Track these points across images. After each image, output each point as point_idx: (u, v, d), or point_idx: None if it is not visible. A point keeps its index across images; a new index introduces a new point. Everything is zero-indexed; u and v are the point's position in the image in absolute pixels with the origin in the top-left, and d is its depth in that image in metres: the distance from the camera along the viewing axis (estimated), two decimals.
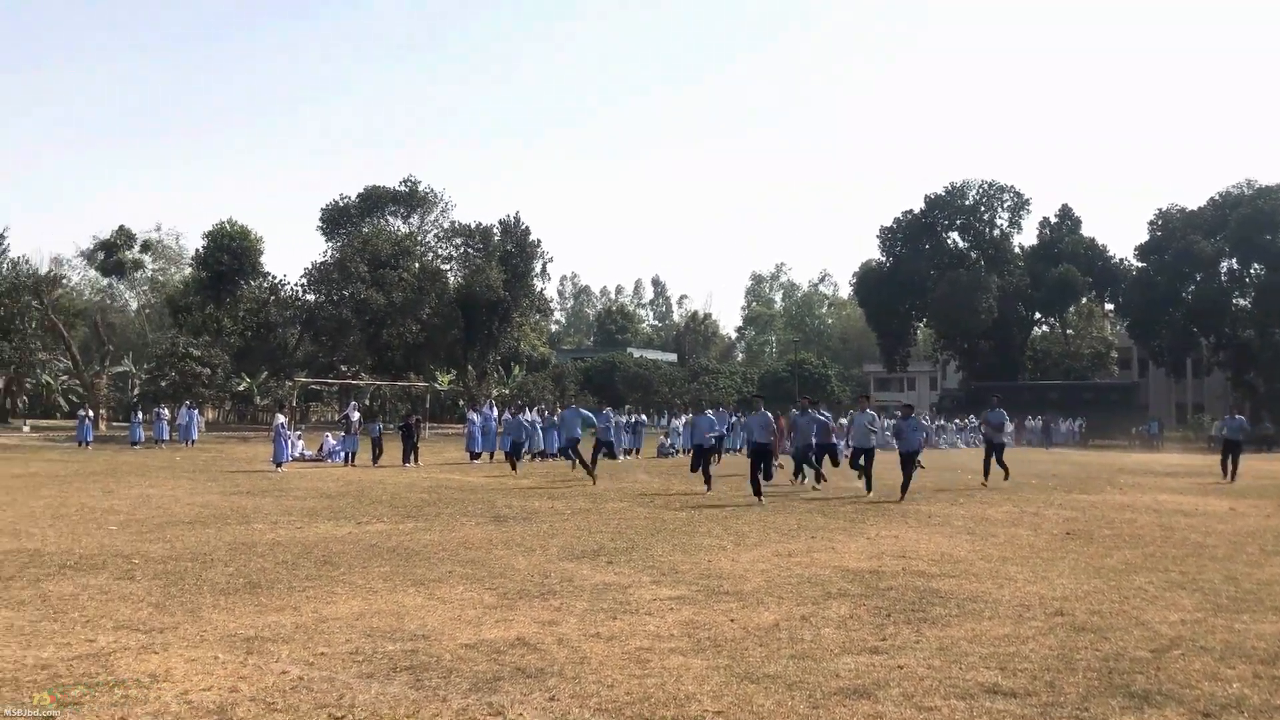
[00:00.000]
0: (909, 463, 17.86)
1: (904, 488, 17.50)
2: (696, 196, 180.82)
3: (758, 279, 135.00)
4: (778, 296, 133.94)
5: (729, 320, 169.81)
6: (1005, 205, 74.43)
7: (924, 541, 12.00)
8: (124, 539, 11.48)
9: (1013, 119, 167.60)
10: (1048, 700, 5.44)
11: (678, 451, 33.74)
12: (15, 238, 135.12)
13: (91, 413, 40.32)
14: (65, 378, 64.95)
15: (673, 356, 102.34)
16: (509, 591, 8.42)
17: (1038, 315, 77.27)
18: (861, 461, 18.49)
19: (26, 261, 52.74)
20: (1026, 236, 76.80)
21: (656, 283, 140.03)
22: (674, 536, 12.21)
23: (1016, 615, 7.69)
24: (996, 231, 75.07)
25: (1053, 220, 75.73)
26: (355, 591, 8.39)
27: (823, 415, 21.53)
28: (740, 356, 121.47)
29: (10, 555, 10.14)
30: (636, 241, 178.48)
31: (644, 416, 41.13)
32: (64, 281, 62.75)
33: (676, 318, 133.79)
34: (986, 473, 21.00)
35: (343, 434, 28.90)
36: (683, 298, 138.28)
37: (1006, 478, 20.99)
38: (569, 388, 66.08)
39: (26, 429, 47.35)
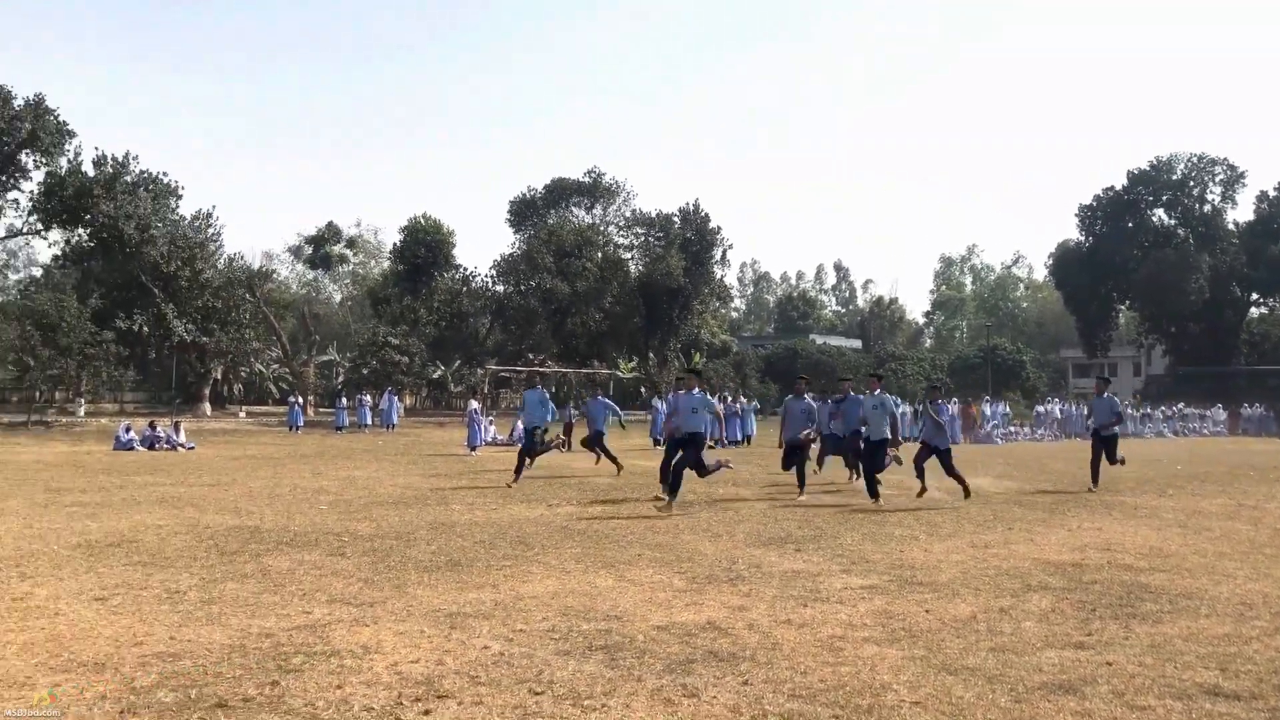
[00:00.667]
0: (868, 454, 14.95)
1: (869, 486, 14.52)
2: (881, 178, 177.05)
3: (947, 262, 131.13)
4: (968, 279, 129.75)
5: (916, 305, 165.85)
6: (1217, 179, 69.70)
7: (1130, 534, 11.39)
8: (334, 518, 12.15)
9: (1225, 87, 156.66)
10: (1276, 705, 5.07)
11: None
12: (230, 236, 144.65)
13: (301, 399, 42.79)
14: (276, 366, 69.10)
15: (857, 343, 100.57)
16: (698, 576, 8.47)
17: (1255, 295, 72.09)
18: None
19: (241, 257, 56.33)
20: (1242, 212, 71.77)
21: (839, 267, 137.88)
22: (863, 526, 12.00)
23: (1237, 614, 7.20)
24: (1207, 207, 70.40)
25: (1272, 194, 70.37)
26: (549, 571, 8.62)
27: (815, 400, 16.98)
28: (928, 342, 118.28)
29: (234, 531, 10.89)
30: (818, 226, 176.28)
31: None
32: (274, 276, 66.67)
33: (860, 303, 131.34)
34: (1095, 477, 16.98)
35: None
36: (867, 282, 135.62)
37: (1094, 485, 16.79)
38: (750, 375, 65.87)
39: (242, 415, 50.68)
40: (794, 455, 15.41)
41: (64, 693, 5.03)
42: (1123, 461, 17.57)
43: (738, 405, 32.26)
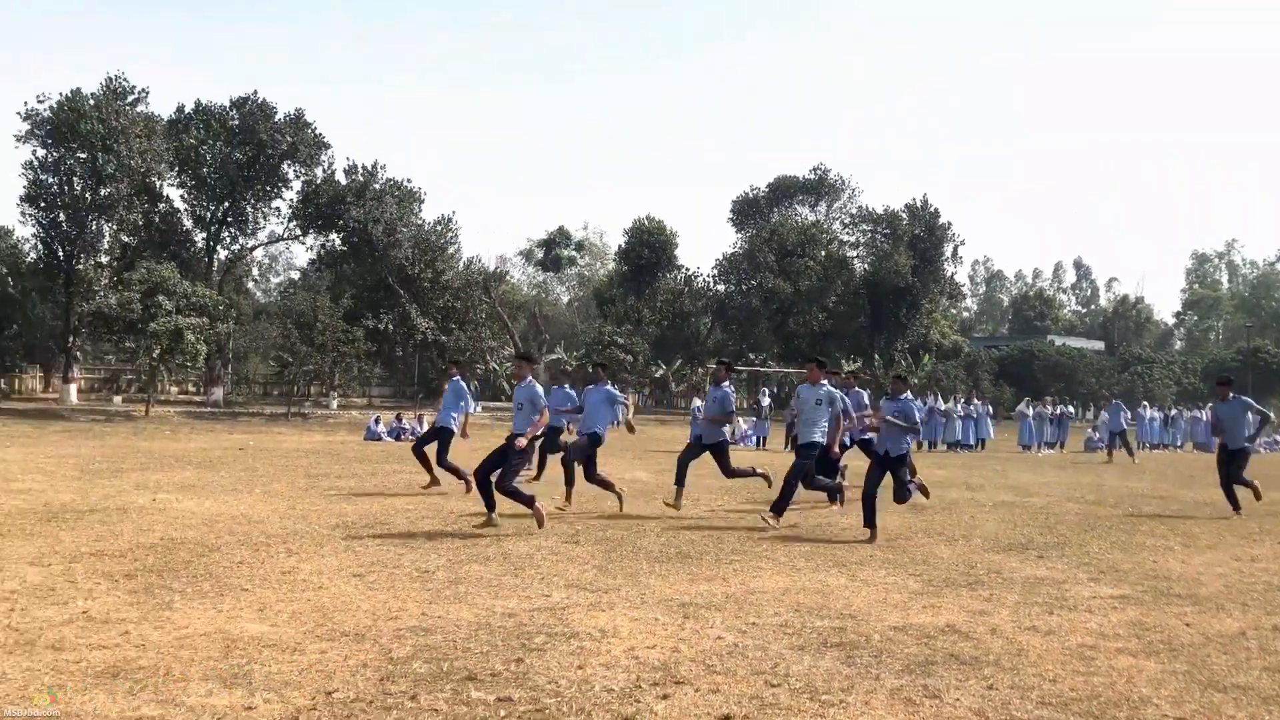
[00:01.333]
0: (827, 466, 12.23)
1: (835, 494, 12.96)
2: (1125, 169, 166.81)
3: (1200, 258, 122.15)
4: (1225, 277, 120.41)
5: (1164, 304, 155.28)
6: None
7: None
8: (575, 504, 12.50)
9: None
10: None
11: (1104, 446, 31.34)
12: (466, 239, 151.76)
13: None
14: (509, 364, 72.04)
15: (1099, 344, 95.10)
16: (934, 579, 8.21)
17: None
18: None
19: (478, 260, 59.06)
20: None
21: (1079, 265, 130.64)
22: (1110, 534, 11.33)
23: None
24: None
25: None
26: (779, 568, 8.57)
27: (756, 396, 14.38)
28: (1179, 344, 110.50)
29: (477, 517, 11.38)
30: (1055, 221, 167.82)
31: (1069, 409, 38.60)
32: (508, 277, 69.46)
33: (1103, 302, 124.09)
34: (1232, 502, 13.42)
35: (754, 418, 29.76)
36: (1111, 281, 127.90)
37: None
38: (982, 377, 63.45)
39: (478, 409, 53.15)
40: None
41: (328, 659, 5.39)
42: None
43: (971, 408, 31.11)
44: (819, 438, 11.39)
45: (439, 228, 52.86)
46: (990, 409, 32.11)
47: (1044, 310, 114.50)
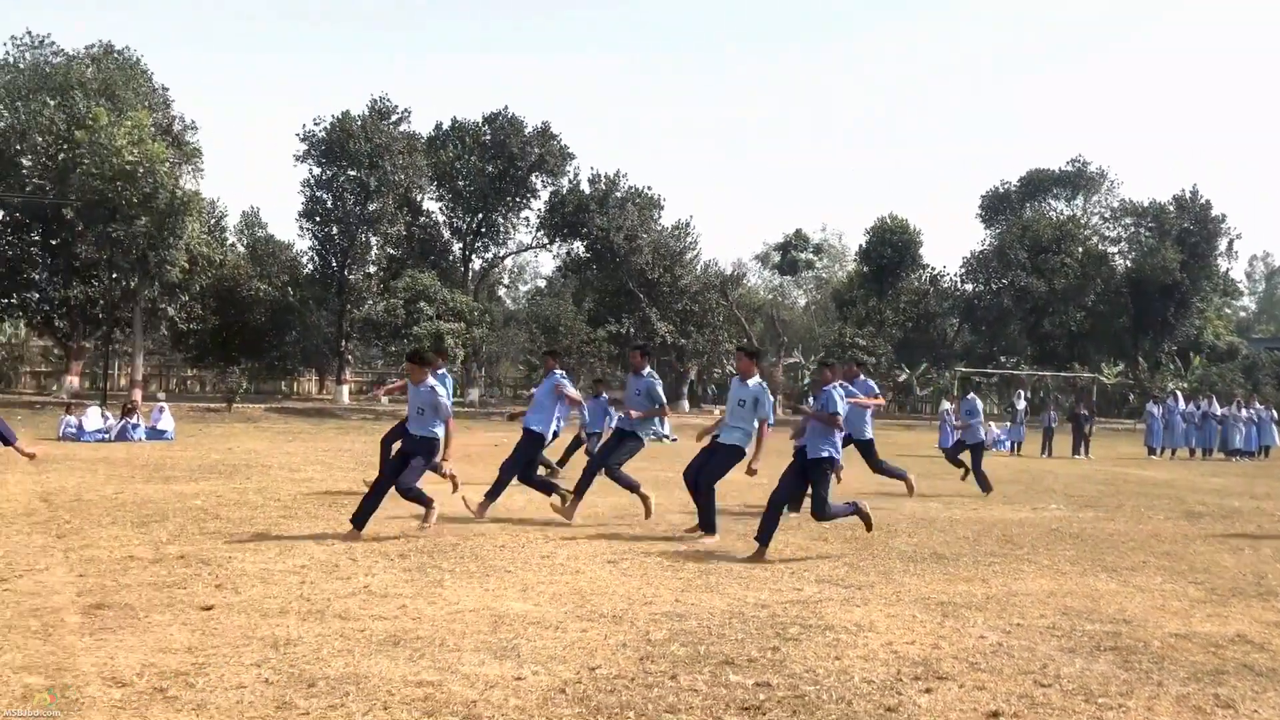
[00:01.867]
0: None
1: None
2: None
3: None
4: None
5: None
6: None
7: None
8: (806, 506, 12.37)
9: None
10: None
11: None
12: (703, 243, 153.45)
13: (778, 399, 44.35)
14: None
15: None
16: (1218, 588, 7.60)
17: None
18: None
19: (715, 263, 59.41)
20: None
21: None
22: None
23: None
24: None
25: None
26: (1042, 571, 8.17)
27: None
28: None
29: (722, 514, 11.45)
30: None
31: None
32: (744, 280, 69.54)
33: None
34: None
35: (1008, 423, 28.53)
36: None
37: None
38: (1263, 381, 58.23)
39: (716, 412, 53.56)
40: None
41: (589, 638, 5.55)
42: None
43: (1252, 413, 28.61)
44: (738, 440, 9.54)
45: (677, 233, 53.64)
46: (1275, 414, 29.33)
47: None
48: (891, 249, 59.14)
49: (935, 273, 62.51)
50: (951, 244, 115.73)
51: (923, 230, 60.39)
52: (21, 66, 39.89)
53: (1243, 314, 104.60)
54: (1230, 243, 59.04)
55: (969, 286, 60.22)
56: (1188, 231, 56.94)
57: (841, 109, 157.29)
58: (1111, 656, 5.46)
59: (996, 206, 63.96)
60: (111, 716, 4.13)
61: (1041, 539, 10.07)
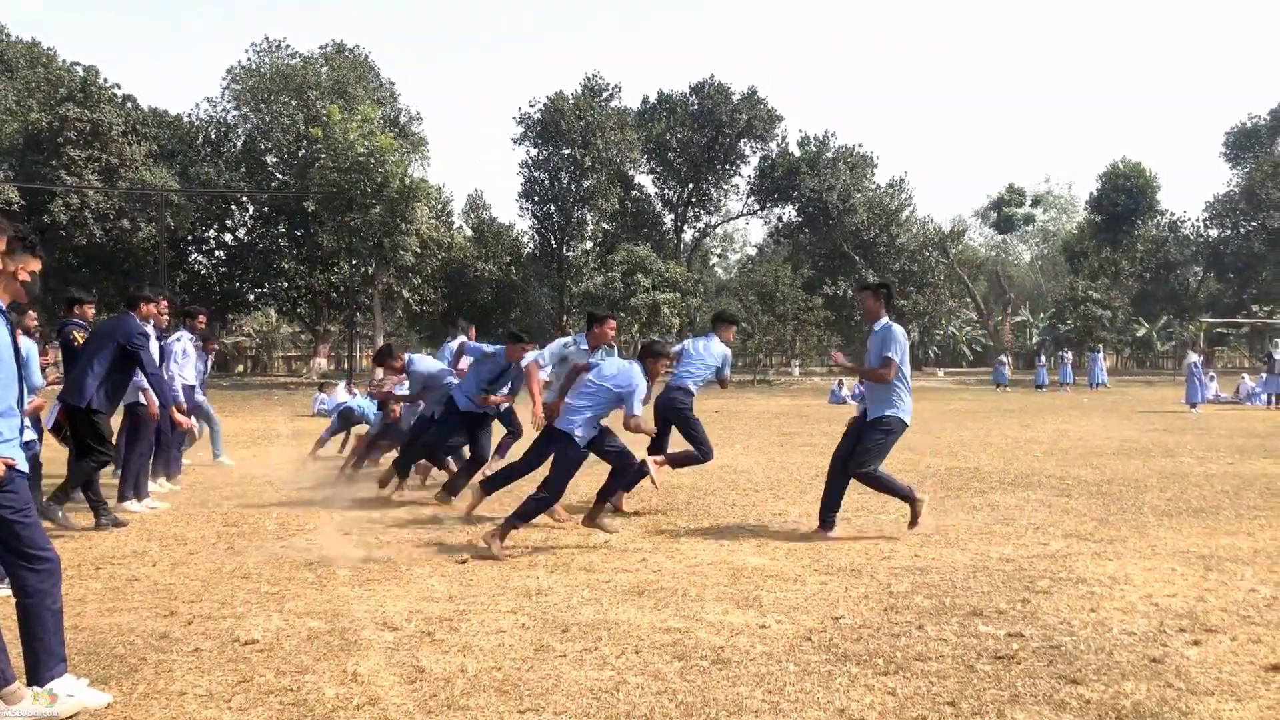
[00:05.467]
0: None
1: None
2: None
3: None
4: None
5: None
6: None
7: None
8: (1051, 464, 11.90)
9: None
10: None
11: None
12: (920, 200, 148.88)
13: (1007, 358, 42.65)
14: (969, 328, 69.71)
15: None
16: None
17: None
18: None
19: (932, 221, 57.57)
20: None
21: None
22: None
23: None
24: None
25: None
26: None
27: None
28: None
29: (954, 472, 11.18)
30: None
31: None
32: (964, 235, 67.04)
33: None
34: None
35: (1264, 375, 26.45)
36: None
37: None
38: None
39: (941, 374, 52.01)
40: None
41: (830, 590, 5.55)
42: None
43: None
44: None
45: (892, 190, 52.26)
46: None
47: None
48: (1126, 195, 55.71)
49: (1175, 219, 58.45)
50: (1193, 187, 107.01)
51: (1159, 174, 56.51)
52: (263, 71, 42.95)
53: None
54: None
55: (1213, 232, 56.03)
56: None
57: (1064, 48, 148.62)
58: None
59: (1243, 143, 58.96)
60: (387, 656, 4.46)
61: None
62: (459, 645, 4.61)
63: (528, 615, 5.10)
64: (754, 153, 51.43)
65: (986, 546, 6.82)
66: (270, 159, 44.30)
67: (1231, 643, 4.51)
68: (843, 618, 4.99)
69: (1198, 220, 57.40)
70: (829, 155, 50.25)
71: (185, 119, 44.02)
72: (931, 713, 3.70)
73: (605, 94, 45.43)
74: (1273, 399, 25.22)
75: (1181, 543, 6.91)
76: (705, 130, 49.42)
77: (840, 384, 31.39)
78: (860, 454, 7.18)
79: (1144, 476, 10.55)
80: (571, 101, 43.78)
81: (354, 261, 39.81)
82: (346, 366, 43.08)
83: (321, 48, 44.56)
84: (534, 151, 45.35)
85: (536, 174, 45.60)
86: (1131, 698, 3.80)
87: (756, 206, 53.95)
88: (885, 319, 7.43)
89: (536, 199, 45.86)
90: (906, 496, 7.22)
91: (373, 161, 35.51)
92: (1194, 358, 24.44)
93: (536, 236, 47.55)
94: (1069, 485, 9.91)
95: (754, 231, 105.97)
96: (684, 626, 4.86)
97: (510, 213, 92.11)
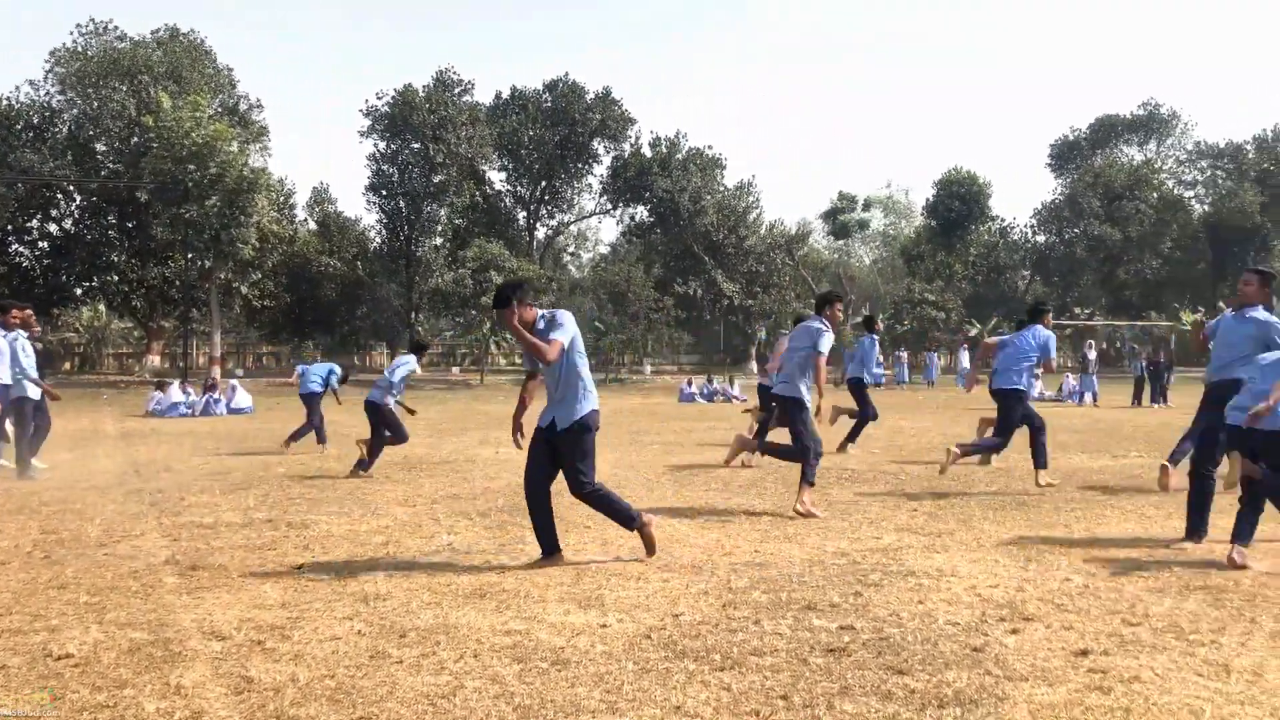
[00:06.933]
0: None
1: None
2: None
3: None
4: None
5: None
6: None
7: None
8: (886, 460, 12.35)
9: None
10: None
11: None
12: (767, 203, 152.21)
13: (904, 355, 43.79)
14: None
15: None
16: None
17: None
18: None
19: (780, 223, 58.96)
20: None
21: None
22: None
23: None
24: None
25: None
26: (1125, 516, 8.06)
27: None
28: None
29: (794, 469, 11.45)
30: None
31: None
32: (809, 238, 68.81)
33: None
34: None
35: (1080, 374, 28.06)
36: None
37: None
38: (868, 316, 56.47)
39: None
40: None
41: (671, 587, 5.60)
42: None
43: None
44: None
45: (740, 193, 53.29)
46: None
47: None
48: (959, 202, 58.21)
49: (1005, 225, 61.45)
50: (1022, 195, 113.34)
51: (991, 182, 59.29)
52: (90, 54, 40.75)
53: None
54: None
55: (1040, 238, 59.16)
56: (1268, 172, 55.15)
57: (905, 61, 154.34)
58: (1201, 595, 5.38)
59: (1066, 155, 62.51)
60: (214, 667, 4.28)
61: (1122, 486, 9.93)
62: (291, 654, 4.46)
63: (364, 621, 4.98)
64: (607, 152, 51.71)
65: (823, 541, 7.01)
66: (100, 146, 42.06)
67: (1046, 630, 4.75)
68: (682, 615, 5.04)
69: (1026, 226, 60.57)
70: (680, 157, 50.90)
71: (3, 102, 41.33)
72: (765, 707, 3.77)
73: (457, 89, 44.88)
74: (1090, 396, 26.77)
75: (1005, 534, 7.25)
76: (559, 128, 49.40)
77: (689, 382, 31.82)
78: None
79: (971, 472, 11.03)
80: (422, 95, 43.06)
81: (189, 255, 38.18)
82: (182, 364, 41.22)
83: (154, 32, 42.61)
84: (382, 145, 44.43)
85: (385, 168, 44.68)
86: (953, 686, 3.96)
87: (609, 205, 54.24)
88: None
89: (385, 193, 44.93)
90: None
91: (209, 151, 34.14)
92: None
93: (384, 231, 46.58)
94: (903, 481, 10.30)
95: (607, 230, 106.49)
96: (525, 628, 4.83)
97: (357, 206, 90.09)
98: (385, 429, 11.33)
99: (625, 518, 6.36)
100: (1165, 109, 61.45)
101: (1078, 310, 56.53)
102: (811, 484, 8.12)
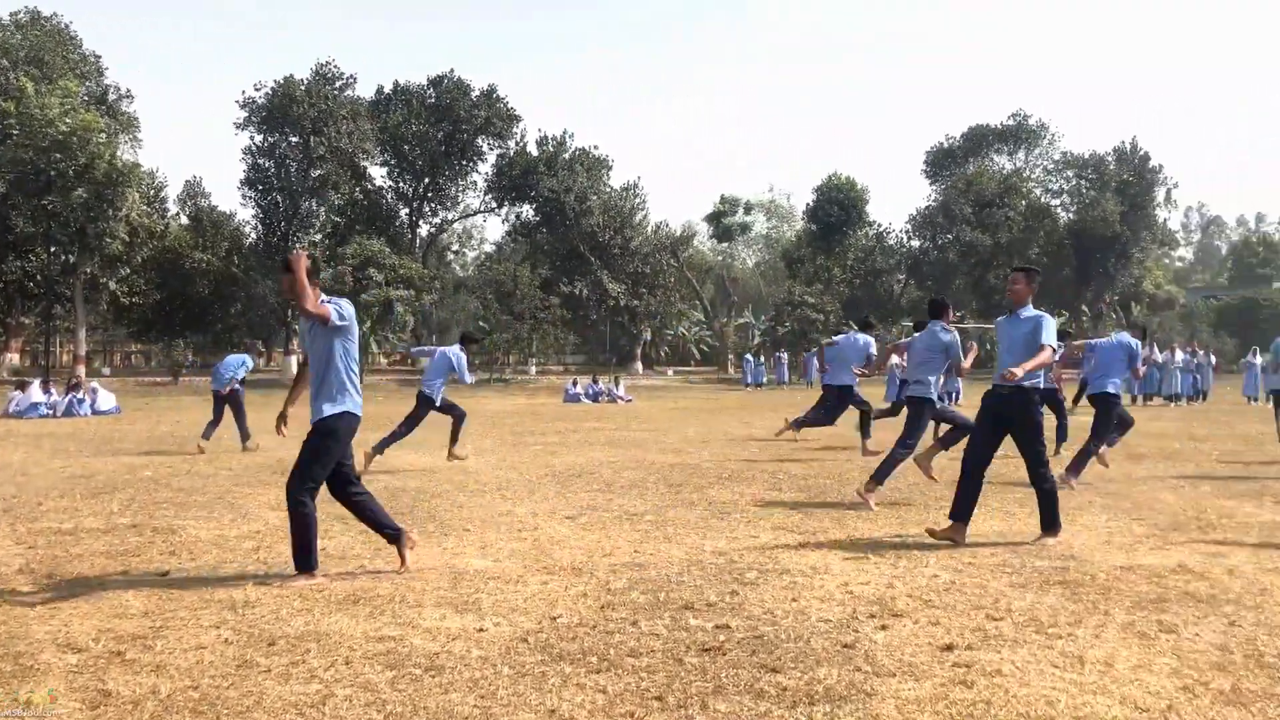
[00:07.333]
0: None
1: None
2: None
3: None
4: None
5: None
6: None
7: None
8: (765, 458, 12.54)
9: None
10: None
11: None
12: (654, 205, 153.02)
13: (754, 359, 44.30)
14: (697, 329, 72.32)
15: None
16: (1160, 524, 7.81)
17: None
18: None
19: (665, 225, 59.33)
20: None
21: None
22: None
23: None
24: None
25: None
26: (992, 514, 8.34)
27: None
28: None
29: (677, 468, 11.57)
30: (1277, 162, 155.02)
31: None
32: (693, 240, 69.43)
33: None
34: None
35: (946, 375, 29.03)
36: None
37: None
38: (1200, 328, 59.54)
39: (670, 373, 53.66)
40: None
41: (550, 590, 5.58)
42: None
43: (1192, 359, 29.27)
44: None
45: (626, 194, 53.45)
46: (1213, 360, 30.06)
47: (1269, 257, 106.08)
48: (838, 207, 59.47)
49: (881, 230, 63.01)
50: (899, 201, 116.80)
51: (869, 188, 60.87)
52: None
53: (1180, 264, 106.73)
54: (1168, 192, 60.15)
55: (915, 243, 60.84)
56: (1127, 183, 57.84)
57: (791, 68, 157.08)
58: (1060, 590, 5.60)
59: (941, 163, 64.44)
60: (68, 681, 4.10)
61: (991, 484, 10.25)
62: (152, 665, 4.30)
63: (231, 629, 4.83)
64: (492, 150, 51.30)
65: (702, 540, 7.08)
66: None
67: (914, 626, 4.88)
68: (560, 617, 5.03)
69: (901, 231, 62.22)
70: (566, 156, 50.81)
71: None
72: (639, 708, 3.79)
73: (339, 82, 43.93)
74: (954, 396, 27.62)
75: (877, 532, 7.44)
76: (443, 125, 48.79)
77: (574, 382, 31.80)
78: None
79: (847, 469, 11.30)
80: (303, 87, 42.02)
81: (52, 249, 36.49)
82: (43, 363, 39.37)
83: (13, 14, 40.60)
84: (259, 138, 43.22)
85: (261, 161, 43.47)
86: (824, 683, 4.04)
87: (494, 204, 53.81)
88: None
89: (261, 187, 43.71)
90: None
91: (75, 140, 32.69)
92: (896, 360, 26.36)
93: (260, 227, 45.29)
94: (780, 479, 10.48)
95: (492, 229, 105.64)
96: (399, 634, 4.75)
97: (231, 201, 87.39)
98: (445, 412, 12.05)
99: (304, 551, 5.87)
100: (1034, 120, 63.85)
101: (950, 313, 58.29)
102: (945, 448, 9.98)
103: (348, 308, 6.05)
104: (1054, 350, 6.97)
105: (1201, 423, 19.78)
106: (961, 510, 7.08)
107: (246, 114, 42.62)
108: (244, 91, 56.25)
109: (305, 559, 5.89)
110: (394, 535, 6.19)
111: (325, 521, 7.84)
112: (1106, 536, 7.26)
